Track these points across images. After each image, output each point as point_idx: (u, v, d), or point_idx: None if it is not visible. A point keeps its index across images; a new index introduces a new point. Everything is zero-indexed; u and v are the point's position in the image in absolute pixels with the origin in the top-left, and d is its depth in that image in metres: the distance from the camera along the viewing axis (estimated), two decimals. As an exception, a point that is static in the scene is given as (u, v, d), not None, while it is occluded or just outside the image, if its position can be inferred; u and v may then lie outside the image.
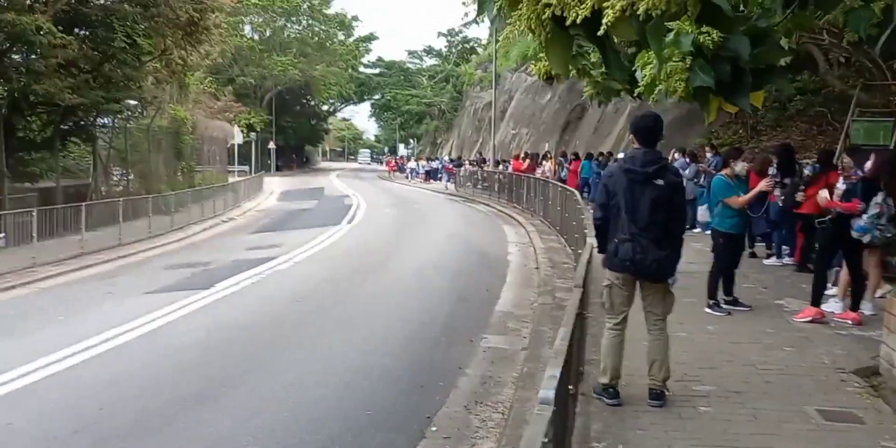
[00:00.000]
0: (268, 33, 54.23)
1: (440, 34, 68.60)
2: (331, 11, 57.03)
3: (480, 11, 2.64)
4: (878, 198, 6.54)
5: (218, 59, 31.15)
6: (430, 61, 69.31)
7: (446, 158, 43.10)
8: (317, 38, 56.16)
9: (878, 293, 7.13)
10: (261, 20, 53.32)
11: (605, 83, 7.59)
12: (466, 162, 35.93)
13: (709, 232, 8.44)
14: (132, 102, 20.67)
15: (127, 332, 7.41)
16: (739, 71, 3.08)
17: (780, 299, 7.73)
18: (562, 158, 22.26)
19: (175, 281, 10.90)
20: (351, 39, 60.62)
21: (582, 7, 2.13)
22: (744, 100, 3.28)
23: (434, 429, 4.76)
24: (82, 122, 17.83)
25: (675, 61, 3.06)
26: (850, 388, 5.02)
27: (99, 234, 15.20)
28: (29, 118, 16.27)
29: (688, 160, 14.14)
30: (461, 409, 5.13)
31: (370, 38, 63.45)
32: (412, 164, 47.57)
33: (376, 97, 71.04)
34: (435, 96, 60.71)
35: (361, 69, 67.12)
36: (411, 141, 75.35)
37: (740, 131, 17.97)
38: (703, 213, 7.46)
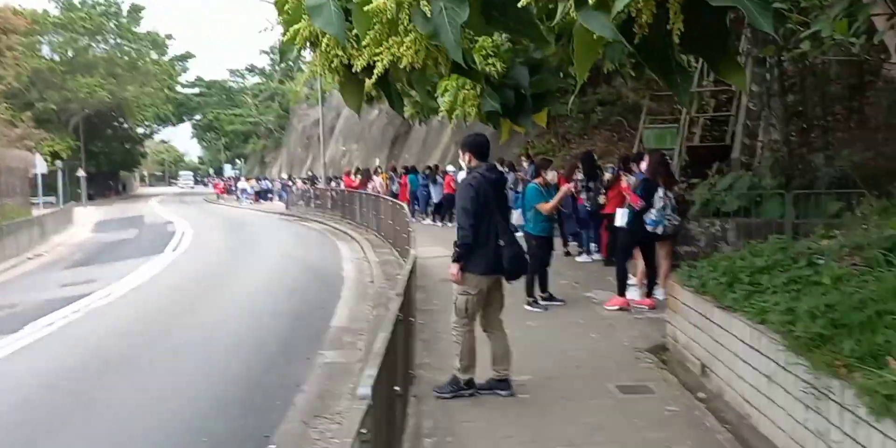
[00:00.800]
0: (70, 54, 50.26)
1: (262, 52, 67.03)
2: (141, 30, 54.03)
3: (282, 59, 2.86)
4: (660, 192, 7.51)
5: (13, 83, 28.46)
6: (253, 79, 67.78)
7: (284, 176, 42.52)
8: (127, 58, 52.89)
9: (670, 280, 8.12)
10: (61, 39, 49.37)
11: (423, 103, 8.05)
12: (298, 180, 35.54)
13: (521, 235, 9.13)
14: None
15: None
16: (521, 96, 3.52)
17: (589, 292, 8.56)
18: (392, 173, 22.75)
19: (-24, 327, 9.92)
20: (166, 58, 57.80)
21: (361, 59, 2.45)
22: (526, 120, 3.76)
23: (273, 446, 4.83)
24: None
25: (468, 89, 3.44)
26: (644, 364, 5.74)
27: None
28: None
29: (507, 169, 15.10)
30: (299, 424, 5.24)
31: (187, 56, 60.97)
32: (243, 184, 45.74)
33: (197, 117, 68.12)
34: (261, 115, 59.36)
35: (179, 89, 64.15)
36: (238, 161, 73.00)
37: (552, 140, 19.40)
38: (517, 217, 8.10)
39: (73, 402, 6.12)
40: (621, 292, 7.82)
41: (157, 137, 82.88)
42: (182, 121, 67.48)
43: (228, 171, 78.94)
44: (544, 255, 8.07)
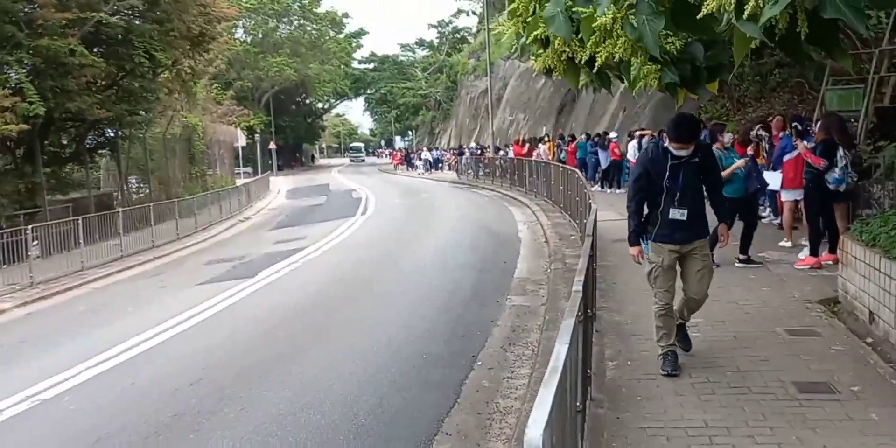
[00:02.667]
0: (260, 35, 55.12)
1: (431, 26, 69.46)
2: (321, 10, 57.88)
3: (522, 53, 3.83)
4: (840, 151, 7.68)
5: (221, 65, 32.17)
6: (422, 53, 70.32)
7: (452, 146, 43.82)
8: (309, 37, 57.05)
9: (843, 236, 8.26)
10: (253, 23, 54.19)
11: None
12: (467, 150, 36.97)
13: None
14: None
15: (198, 314, 8.57)
16: (697, 69, 4.17)
17: (762, 252, 8.84)
18: (560, 141, 23.32)
19: (219, 273, 12.02)
20: (342, 36, 61.54)
21: (583, 54, 3.32)
22: (701, 90, 4.41)
23: (479, 363, 5.91)
24: (106, 135, 18.90)
25: (650, 64, 4.12)
26: (813, 314, 6.15)
27: (132, 238, 16.31)
28: (59, 134, 17.35)
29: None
30: (499, 349, 6.28)
31: (361, 33, 64.42)
32: (426, 154, 44.39)
33: (370, 92, 72.02)
34: (430, 87, 61.73)
35: (355, 65, 68.11)
36: (409, 133, 76.39)
37: (727, 105, 19.00)
38: None
39: (308, 332, 7.60)
40: (814, 251, 8.04)
41: (333, 112, 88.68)
42: (358, 95, 71.81)
43: (399, 142, 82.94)
44: (743, 216, 8.29)
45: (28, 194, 16.06)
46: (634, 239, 5.01)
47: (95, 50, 15.99)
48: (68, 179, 18.79)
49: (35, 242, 13.93)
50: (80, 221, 14.11)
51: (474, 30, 59.64)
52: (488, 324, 7.10)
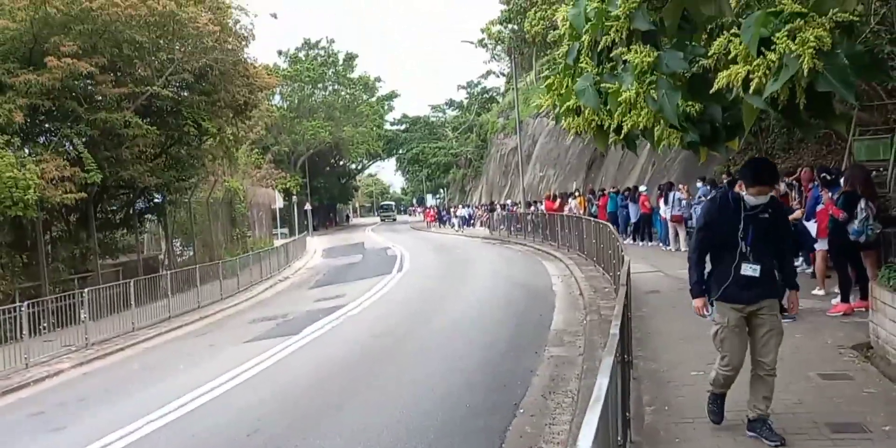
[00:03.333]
0: (296, 101, 57.35)
1: (460, 87, 71.28)
2: (354, 75, 60.21)
3: (557, 121, 4.31)
4: (862, 203, 7.93)
5: (261, 131, 33.64)
6: (452, 113, 72.13)
7: (482, 203, 44.38)
8: (343, 101, 59.18)
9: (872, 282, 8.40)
10: (289, 89, 56.49)
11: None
12: (498, 206, 37.53)
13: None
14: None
15: (248, 370, 8.95)
16: (716, 129, 4.58)
17: (795, 300, 8.98)
18: (590, 195, 23.73)
19: (264, 331, 12.45)
20: (374, 99, 63.67)
21: (611, 123, 3.79)
22: (720, 148, 4.82)
23: (521, 411, 6.15)
24: (153, 201, 19.83)
25: (670, 130, 4.56)
26: (846, 358, 6.31)
27: (178, 299, 16.90)
28: (111, 201, 18.30)
29: (708, 187, 15.54)
30: (539, 397, 6.52)
31: (392, 96, 66.57)
32: (462, 211, 44.06)
33: (402, 152, 73.85)
34: (460, 146, 63.09)
35: (387, 126, 70.09)
36: (441, 190, 77.57)
37: (755, 157, 19.28)
38: None
39: (353, 384, 7.92)
40: (845, 298, 8.20)
41: (366, 172, 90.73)
42: (390, 155, 73.57)
43: (430, 200, 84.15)
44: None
45: (81, 259, 16.85)
46: (698, 290, 4.73)
47: (146, 120, 17.02)
48: (118, 244, 19.63)
49: (82, 306, 14.57)
50: (131, 284, 14.75)
51: (502, 89, 61.25)
52: (528, 374, 7.35)
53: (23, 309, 11.81)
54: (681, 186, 16.93)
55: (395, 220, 76.52)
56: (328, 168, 65.94)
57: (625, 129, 3.93)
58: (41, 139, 15.18)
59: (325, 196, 64.64)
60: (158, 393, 8.40)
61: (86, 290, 13.57)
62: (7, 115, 12.75)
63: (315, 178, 60.18)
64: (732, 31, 3.33)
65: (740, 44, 3.06)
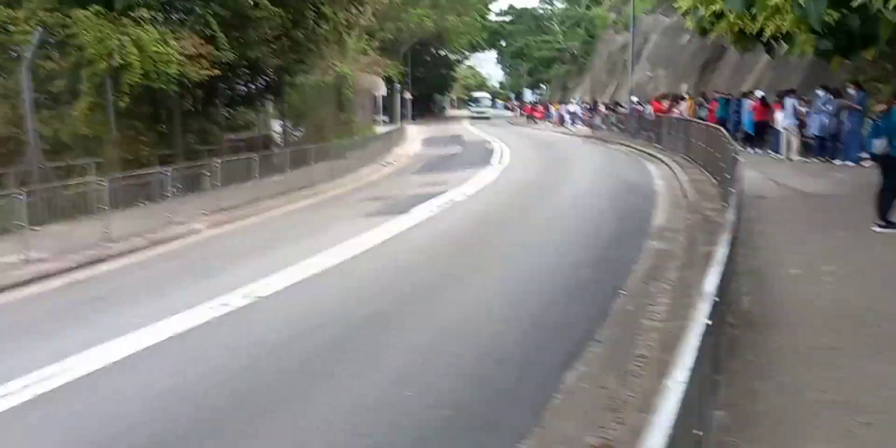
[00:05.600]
0: (402, -13, 56.18)
1: (572, -23, 67.58)
2: (461, -39, 57.98)
3: (701, 33, 4.53)
4: None
5: (370, 18, 33.63)
6: (560, 6, 68.94)
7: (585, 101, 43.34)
8: (448, -12, 57.51)
9: None
10: (396, -27, 55.22)
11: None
12: (602, 105, 36.74)
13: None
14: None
15: (368, 241, 9.87)
16: (853, 38, 4.65)
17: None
18: (701, 99, 22.97)
19: (377, 209, 13.36)
20: (480, -13, 61.49)
21: (751, 27, 4.00)
22: (855, 56, 4.91)
23: (624, 292, 6.74)
24: (272, 82, 20.73)
25: (807, 33, 4.64)
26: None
27: (292, 175, 18.04)
28: (235, 80, 19.29)
29: (831, 96, 14.87)
30: (640, 283, 7.07)
31: (499, -16, 64.07)
32: (573, 107, 41.95)
33: (504, 45, 71.88)
34: (567, 41, 60.85)
35: (492, 17, 67.99)
36: (543, 86, 75.76)
37: (887, 66, 18.06)
38: (880, 145, 8.32)
39: (469, 260, 8.70)
40: None
41: (465, 64, 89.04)
42: (493, 48, 71.84)
43: (528, 96, 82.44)
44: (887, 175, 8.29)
45: (208, 132, 18.14)
46: None
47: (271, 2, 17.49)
48: (238, 121, 20.87)
49: (209, 174, 15.87)
50: (256, 158, 15.91)
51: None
52: (630, 263, 7.87)
53: (168, 173, 13.14)
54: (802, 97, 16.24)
55: (488, 118, 61.29)
56: (429, 58, 65.24)
57: (767, 34, 4.11)
58: (177, 17, 15.98)
59: (425, 86, 64.48)
60: (288, 254, 9.39)
61: (218, 160, 14.80)
62: (151, -10, 13.53)
63: (416, 67, 59.87)
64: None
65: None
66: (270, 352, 5.69)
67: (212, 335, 6.26)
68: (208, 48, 14.58)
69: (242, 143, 19.47)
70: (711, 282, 2.69)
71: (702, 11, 4.81)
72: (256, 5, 15.51)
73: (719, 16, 4.62)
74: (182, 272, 9.27)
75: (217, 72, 15.07)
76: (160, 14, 14.53)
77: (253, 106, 20.37)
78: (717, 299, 2.70)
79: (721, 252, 3.35)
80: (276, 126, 25.96)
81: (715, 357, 3.55)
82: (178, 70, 13.72)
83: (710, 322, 2.53)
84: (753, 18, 4.28)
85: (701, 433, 2.54)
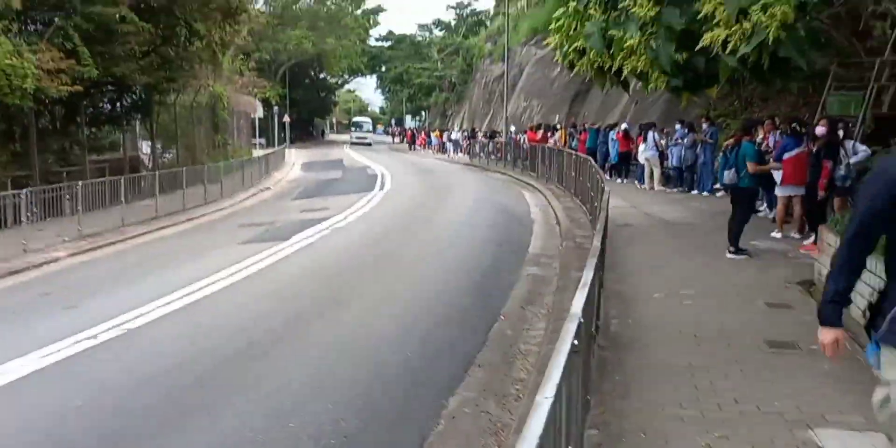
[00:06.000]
0: (280, 7, 55.62)
1: (449, 7, 69.44)
2: (341, -16, 58.28)
3: (564, 61, 4.86)
4: (843, 149, 8.71)
5: (246, 37, 32.98)
6: (439, 34, 70.71)
7: (459, 130, 44.45)
8: (327, 12, 57.56)
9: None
10: (273, -5, 54.65)
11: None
12: (479, 134, 37.82)
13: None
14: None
15: (246, 268, 9.58)
16: (699, 76, 5.18)
17: (754, 240, 9.83)
18: (572, 129, 24.23)
19: (255, 235, 13.02)
20: (360, 12, 61.95)
21: (611, 65, 4.37)
22: (700, 93, 5.48)
23: (502, 318, 6.95)
24: (140, 100, 19.82)
25: (659, 71, 5.12)
26: (791, 292, 7.17)
27: (163, 200, 17.26)
28: (99, 97, 18.29)
29: (686, 130, 16.16)
30: (518, 308, 7.32)
31: (378, 10, 64.76)
32: (455, 134, 42.39)
33: (384, 70, 72.61)
34: (445, 69, 62.34)
35: (371, 42, 68.60)
36: (422, 113, 76.96)
37: (735, 103, 19.87)
38: (730, 176, 9.14)
39: (350, 286, 8.64)
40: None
41: (345, 87, 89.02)
42: (372, 72, 72.35)
43: (409, 122, 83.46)
44: (750, 209, 9.16)
45: (69, 153, 17.03)
46: (830, 313, 2.83)
47: (140, 17, 16.82)
48: (103, 141, 19.74)
49: (69, 198, 14.87)
50: (121, 180, 15.11)
51: (492, 13, 60.09)
52: (508, 288, 8.13)
53: (22, 196, 12.18)
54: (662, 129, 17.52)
55: (369, 144, 57.90)
56: (308, 81, 64.78)
57: (624, 72, 4.57)
58: (36, 28, 15.01)
59: (304, 109, 63.82)
60: (161, 282, 8.98)
61: (79, 182, 13.91)
62: (6, 0, 12.64)
63: (294, 89, 59.22)
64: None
65: (724, 11, 3.69)
66: (140, 386, 5.40)
67: (77, 370, 5.85)
68: (69, 62, 13.76)
69: (107, 165, 18.39)
70: (577, 304, 2.87)
71: (566, 48, 5.32)
72: (123, 19, 14.87)
73: (582, 52, 5.11)
74: (40, 304, 8.61)
75: (79, 88, 14.24)
76: (14, 24, 13.58)
77: (119, 125, 19.34)
78: (581, 320, 2.88)
79: (588, 275, 3.58)
80: (145, 147, 24.77)
81: (585, 378, 3.76)
82: (35, 85, 12.85)
83: (576, 342, 2.70)
84: (612, 57, 4.77)
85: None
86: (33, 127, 15.04)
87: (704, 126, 15.89)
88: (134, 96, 19.62)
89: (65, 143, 16.24)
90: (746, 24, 3.69)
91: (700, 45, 3.76)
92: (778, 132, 11.69)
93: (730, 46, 3.62)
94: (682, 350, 5.42)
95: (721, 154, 14.74)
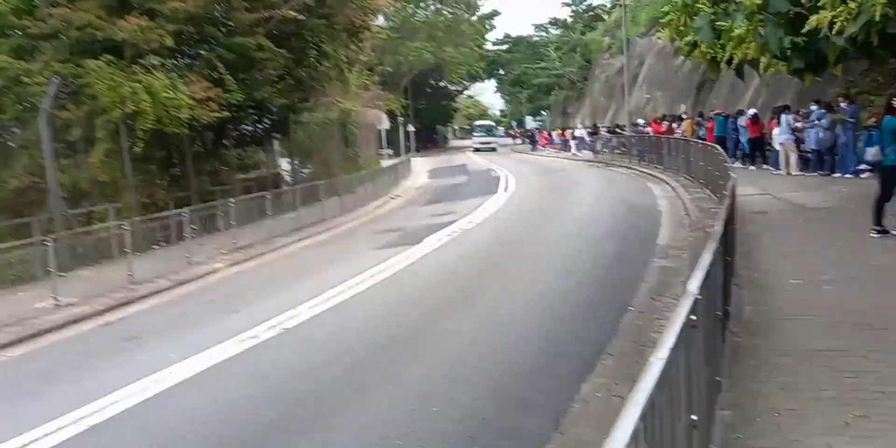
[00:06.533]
0: (399, 21, 57.54)
1: (564, 4, 68.76)
2: (456, -7, 59.45)
3: (684, 53, 5.00)
4: None
5: (370, 53, 34.58)
6: (556, 32, 70.27)
7: (584, 126, 43.78)
8: (445, 21, 58.86)
9: None
10: (392, 10, 56.58)
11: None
12: (602, 130, 37.31)
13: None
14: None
15: (384, 271, 10.23)
16: (820, 57, 5.11)
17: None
18: (699, 118, 23.45)
19: (390, 240, 13.74)
20: (476, 18, 62.84)
21: (723, 54, 4.47)
22: (824, 73, 5.39)
23: (632, 308, 7.06)
24: (280, 121, 21.36)
25: (769, 59, 5.11)
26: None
27: (304, 212, 18.47)
28: (243, 121, 19.93)
29: (823, 111, 15.29)
30: (648, 299, 7.39)
31: (494, 14, 65.36)
32: (579, 132, 40.95)
33: (503, 73, 73.08)
34: (564, 67, 61.89)
35: (489, 46, 69.36)
36: (543, 113, 76.72)
37: (878, 78, 18.51)
38: (873, 153, 8.61)
39: (482, 282, 9.05)
40: None
41: (465, 93, 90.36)
42: (491, 77, 73.11)
43: (530, 123, 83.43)
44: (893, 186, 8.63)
45: (219, 173, 18.69)
46: None
47: (274, 44, 18.19)
48: (248, 160, 21.44)
49: (223, 214, 16.31)
50: (268, 196, 16.40)
51: (609, 6, 59.02)
52: (637, 281, 8.20)
53: (184, 215, 13.61)
54: (798, 111, 16.66)
55: (494, 149, 54.25)
56: (429, 90, 66.49)
57: (735, 60, 4.63)
58: (186, 62, 16.68)
59: (427, 118, 65.54)
60: (308, 287, 9.78)
61: (232, 199, 15.28)
62: (159, 39, 14.17)
63: (417, 99, 60.98)
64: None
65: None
66: (297, 378, 6.03)
67: (245, 365, 6.60)
68: (216, 91, 15.19)
69: (253, 183, 19.97)
70: (695, 283, 3.05)
71: (678, 41, 5.45)
72: (260, 47, 16.18)
73: (694, 45, 5.23)
74: (208, 309, 9.64)
75: (226, 114, 15.66)
76: (169, 60, 15.16)
77: (261, 145, 20.96)
78: (699, 297, 3.05)
79: (706, 258, 3.72)
80: (285, 164, 26.56)
81: (714, 357, 3.87)
82: (190, 114, 14.29)
83: (693, 317, 2.88)
84: (723, 47, 4.87)
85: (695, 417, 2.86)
86: (189, 152, 16.64)
87: (843, 105, 14.98)
88: (272, 117, 21.14)
89: (215, 164, 17.84)
90: (852, 4, 3.69)
91: (807, 27, 3.76)
92: None
93: (836, 27, 3.62)
94: (819, 334, 5.33)
95: (866, 132, 13.89)
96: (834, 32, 3.88)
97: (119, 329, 9.01)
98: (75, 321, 9.37)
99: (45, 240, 10.69)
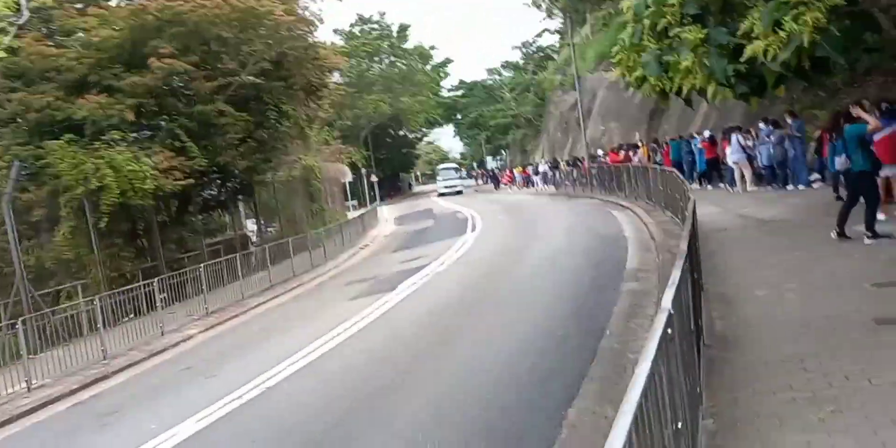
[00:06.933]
0: (355, 76, 58.64)
1: (514, 47, 71.00)
2: (409, 45, 60.94)
3: (636, 87, 5.29)
4: None
5: (329, 110, 35.12)
6: (508, 74, 72.03)
7: (544, 161, 44.67)
8: (399, 72, 60.17)
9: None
10: (348, 66, 57.72)
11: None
12: (562, 163, 38.04)
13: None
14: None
15: (361, 320, 10.23)
16: (762, 82, 5.48)
17: (856, 225, 9.58)
18: (654, 145, 24.11)
19: (363, 290, 13.75)
20: (429, 67, 64.35)
21: (671, 86, 4.74)
22: (768, 95, 5.75)
23: (608, 333, 7.16)
24: (243, 183, 21.44)
25: (716, 86, 5.47)
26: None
27: (274, 270, 18.40)
28: (208, 186, 19.97)
29: (771, 127, 15.90)
30: (622, 321, 7.51)
31: (447, 62, 67.14)
32: (542, 167, 42.48)
33: (460, 118, 74.45)
34: (519, 107, 63.32)
35: (444, 93, 70.77)
36: (503, 152, 77.95)
37: (819, 93, 19.29)
38: (841, 162, 8.98)
39: (458, 323, 9.08)
40: None
41: (424, 140, 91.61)
42: (449, 121, 74.40)
43: (490, 163, 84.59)
44: (872, 189, 8.75)
45: (186, 239, 18.61)
46: None
47: (234, 108, 18.43)
48: (213, 224, 21.39)
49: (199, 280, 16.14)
50: (237, 258, 16.36)
51: (558, 46, 60.80)
52: (609, 305, 8.32)
53: (154, 285, 13.49)
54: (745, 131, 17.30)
55: (460, 192, 52.11)
56: (389, 139, 67.41)
57: (684, 91, 5.01)
58: (147, 134, 16.77)
59: (389, 167, 66.24)
60: (286, 345, 9.74)
61: (200, 265, 15.19)
62: (120, 114, 14.30)
63: (378, 149, 61.70)
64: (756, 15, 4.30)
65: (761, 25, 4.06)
66: (283, 434, 5.97)
67: (230, 427, 6.52)
68: (179, 159, 15.29)
69: (220, 246, 19.90)
70: (667, 299, 3.18)
71: (628, 77, 5.98)
72: (222, 113, 16.38)
73: (644, 79, 5.76)
74: (186, 376, 9.51)
75: (190, 180, 15.71)
76: (130, 134, 15.26)
77: (226, 208, 20.97)
78: (672, 312, 3.17)
79: (675, 274, 3.86)
80: (250, 224, 26.52)
81: (691, 370, 3.98)
82: (154, 184, 14.32)
83: (669, 330, 3.00)
84: (671, 79, 5.35)
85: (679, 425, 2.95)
86: (154, 221, 16.58)
87: (789, 120, 15.59)
88: (236, 180, 21.22)
89: (181, 231, 17.77)
90: (782, 34, 4.24)
91: (745, 56, 4.27)
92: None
93: (769, 55, 4.11)
94: (788, 340, 5.48)
95: (831, 144, 14.37)
96: (769, 59, 4.40)
97: (97, 405, 8.84)
98: (51, 402, 9.16)
99: (14, 323, 10.51)
